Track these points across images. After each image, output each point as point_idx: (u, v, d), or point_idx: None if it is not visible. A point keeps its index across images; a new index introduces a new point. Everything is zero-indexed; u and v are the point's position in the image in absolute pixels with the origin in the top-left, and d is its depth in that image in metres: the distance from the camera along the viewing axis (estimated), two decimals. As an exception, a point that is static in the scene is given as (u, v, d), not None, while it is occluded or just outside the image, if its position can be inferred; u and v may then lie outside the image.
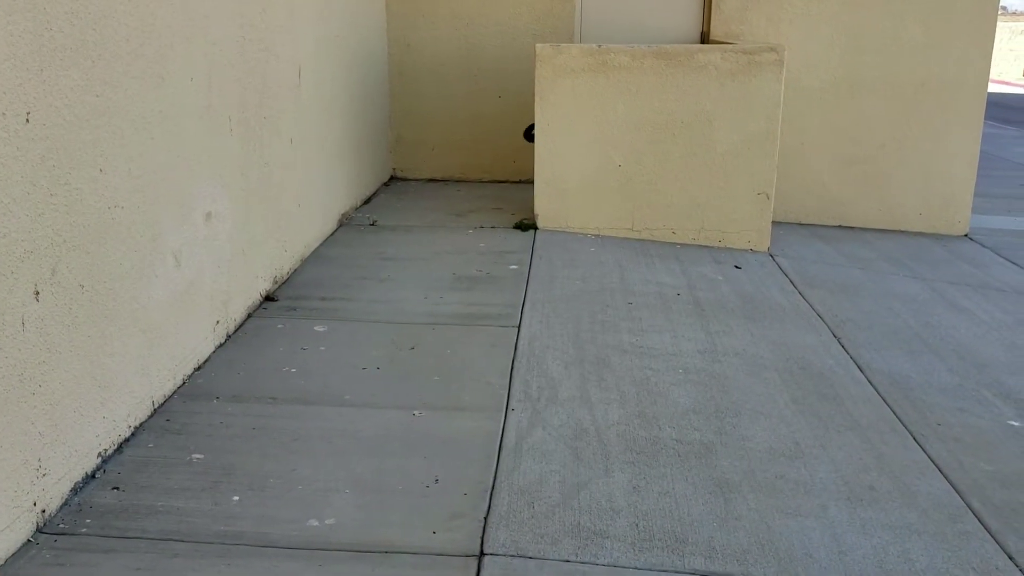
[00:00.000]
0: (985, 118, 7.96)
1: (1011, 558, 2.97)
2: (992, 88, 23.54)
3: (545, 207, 6.42)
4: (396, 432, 3.58)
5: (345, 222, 6.47)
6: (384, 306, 4.92)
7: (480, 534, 2.94)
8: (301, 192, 5.48)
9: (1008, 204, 9.12)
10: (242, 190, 4.50)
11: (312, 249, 5.77)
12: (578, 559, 2.84)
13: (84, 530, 2.86)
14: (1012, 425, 3.95)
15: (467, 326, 4.67)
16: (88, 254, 3.07)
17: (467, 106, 8.10)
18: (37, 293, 2.78)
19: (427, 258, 5.76)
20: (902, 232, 7.68)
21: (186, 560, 2.75)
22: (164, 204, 3.65)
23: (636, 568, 2.81)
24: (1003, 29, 28.72)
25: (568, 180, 6.37)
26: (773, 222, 6.87)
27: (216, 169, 4.17)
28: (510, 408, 3.81)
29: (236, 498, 3.09)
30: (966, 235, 7.68)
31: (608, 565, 2.82)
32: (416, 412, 3.75)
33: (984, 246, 7.37)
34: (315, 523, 2.97)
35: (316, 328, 4.57)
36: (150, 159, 3.51)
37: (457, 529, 2.97)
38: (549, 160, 6.35)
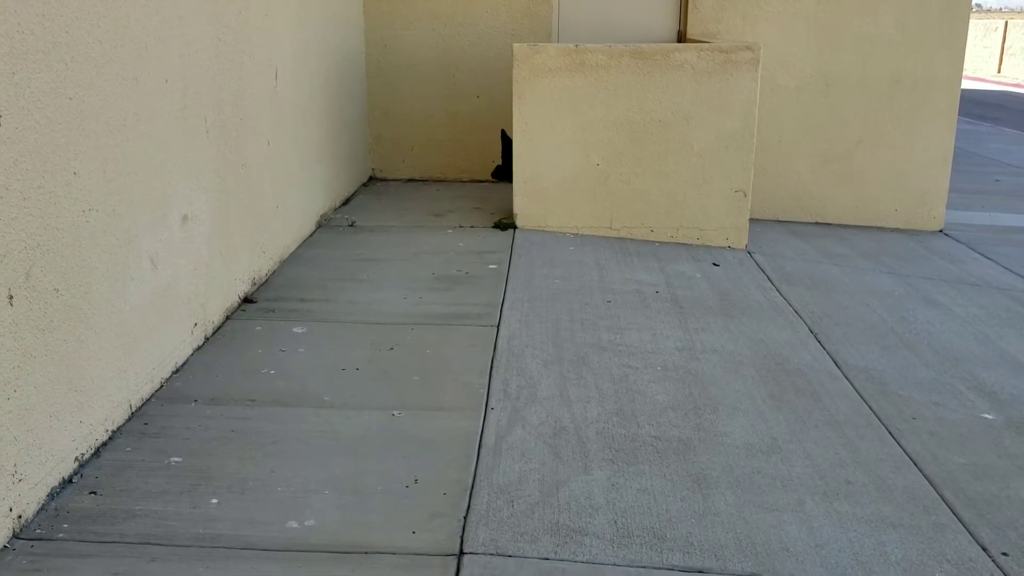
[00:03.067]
0: (960, 115, 8.06)
1: (984, 549, 3.00)
2: (967, 85, 23.80)
3: (524, 207, 6.43)
4: (375, 433, 3.58)
5: (324, 223, 6.46)
6: (363, 307, 4.92)
7: (460, 533, 2.95)
8: (279, 194, 5.46)
9: (983, 200, 9.21)
10: (219, 192, 4.48)
11: (291, 251, 5.75)
12: (557, 557, 2.85)
13: (61, 535, 2.85)
14: (986, 418, 4.00)
15: (446, 326, 4.67)
16: (63, 258, 3.05)
17: (445, 106, 8.10)
18: (11, 297, 2.77)
19: (406, 258, 5.76)
20: (878, 228, 7.75)
21: (164, 564, 2.74)
22: (140, 207, 3.63)
23: (615, 565, 2.83)
24: (978, 26, 29.01)
25: (547, 179, 6.39)
26: (751, 219, 6.92)
27: (192, 171, 4.15)
28: (489, 407, 3.82)
29: (215, 501, 3.08)
30: (941, 231, 7.76)
31: (587, 562, 2.84)
32: (395, 412, 3.75)
33: (959, 241, 7.45)
34: (294, 524, 2.96)
35: (295, 329, 4.56)
36: (125, 162, 3.50)
37: (437, 529, 2.97)
38: (528, 159, 6.36)
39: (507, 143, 7.03)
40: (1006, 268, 6.67)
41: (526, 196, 6.41)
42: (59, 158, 3.03)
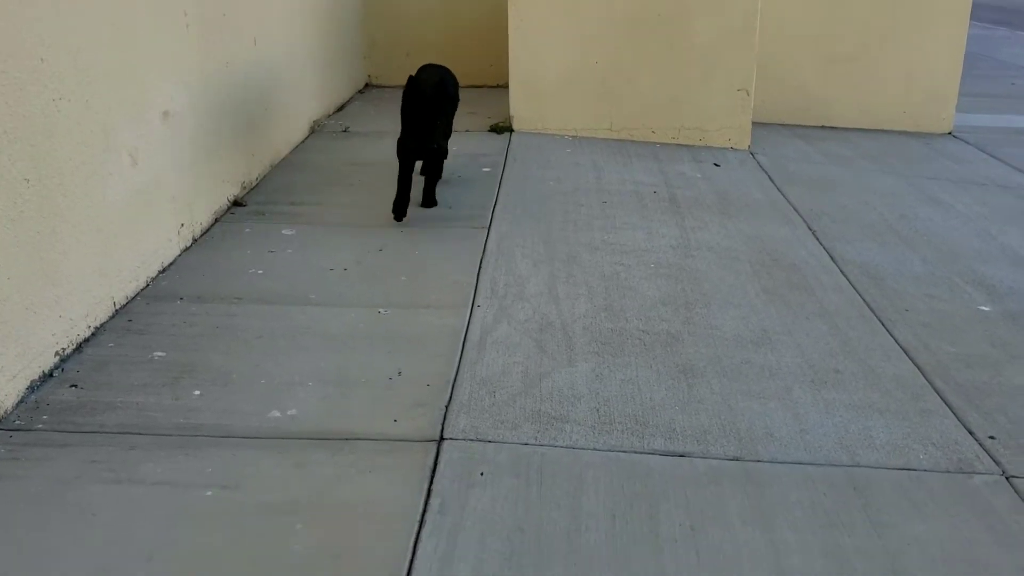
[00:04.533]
0: (975, 19, 7.78)
1: (971, 433, 2.97)
2: (987, -10, 23.05)
3: (520, 109, 6.29)
4: (361, 329, 3.55)
5: (317, 129, 6.35)
6: (353, 210, 4.85)
7: (441, 421, 2.93)
8: (267, 96, 5.34)
9: (996, 103, 8.97)
10: (202, 90, 4.38)
11: (282, 156, 5.66)
12: (537, 442, 2.84)
13: (40, 426, 2.84)
14: (982, 310, 3.94)
15: (436, 228, 4.61)
16: (33, 147, 2.98)
17: (442, 8, 7.88)
18: (-23, 186, 2.71)
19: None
20: (886, 131, 7.56)
21: (144, 452, 2.74)
22: (116, 99, 3.54)
23: (595, 449, 2.82)
24: (1001, -71, 27.95)
25: (544, 80, 6.23)
26: (756, 123, 6.76)
27: (172, 66, 4.04)
28: (476, 305, 3.78)
29: (197, 393, 3.07)
30: (950, 133, 7.57)
31: (567, 447, 2.82)
32: (382, 310, 3.71)
33: (968, 143, 7.27)
34: (277, 414, 2.96)
35: (284, 231, 4.51)
36: (98, 52, 3.39)
37: (418, 417, 2.96)
38: (524, 60, 6.20)
39: (417, 104, 4.49)
40: (1015, 168, 6.51)
41: (522, 98, 6.27)
42: (24, 43, 2.93)
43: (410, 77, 4.50)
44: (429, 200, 4.84)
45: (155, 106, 3.89)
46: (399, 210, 4.59)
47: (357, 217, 4.74)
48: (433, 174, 4.93)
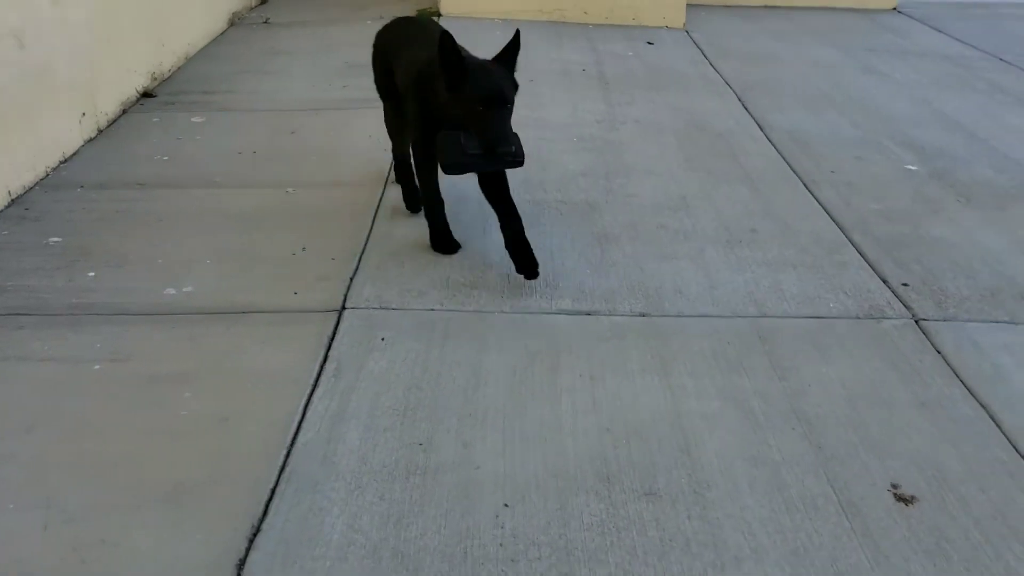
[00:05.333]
0: None
1: (884, 281, 2.94)
2: None
3: (449, -7, 6.06)
4: (267, 208, 3.43)
5: (237, 22, 6.07)
6: (267, 96, 4.67)
7: (344, 292, 2.85)
8: (177, -18, 5.08)
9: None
10: (96, -29, 4.12)
11: (198, 48, 5.41)
12: (444, 308, 2.77)
13: (-78, 312, 2.72)
14: (909, 169, 3.88)
15: (352, 110, 4.44)
16: None
17: None
18: None
19: (320, 51, 5.44)
20: (830, 8, 7.39)
21: (32, 331, 2.63)
22: (-10, -26, 3.31)
23: (501, 312, 2.75)
24: None
25: (472, -38, 5.99)
26: (698, 5, 6.58)
27: (57, -57, 3.79)
28: (390, 181, 3.65)
29: (91, 274, 2.94)
30: (895, 9, 7.42)
31: (474, 311, 2.75)
32: (290, 189, 3.58)
33: (912, 18, 7.14)
34: (172, 292, 2.85)
35: (193, 119, 4.32)
36: (-38, -80, 3.16)
37: (321, 290, 2.87)
38: (450, -59, 5.94)
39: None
40: (957, 39, 6.41)
41: (450, -19, 6.03)
42: None
43: (443, 44, 2.76)
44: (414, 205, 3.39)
45: (40, -16, 3.65)
46: (449, 244, 3.13)
47: (271, 103, 4.56)
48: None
